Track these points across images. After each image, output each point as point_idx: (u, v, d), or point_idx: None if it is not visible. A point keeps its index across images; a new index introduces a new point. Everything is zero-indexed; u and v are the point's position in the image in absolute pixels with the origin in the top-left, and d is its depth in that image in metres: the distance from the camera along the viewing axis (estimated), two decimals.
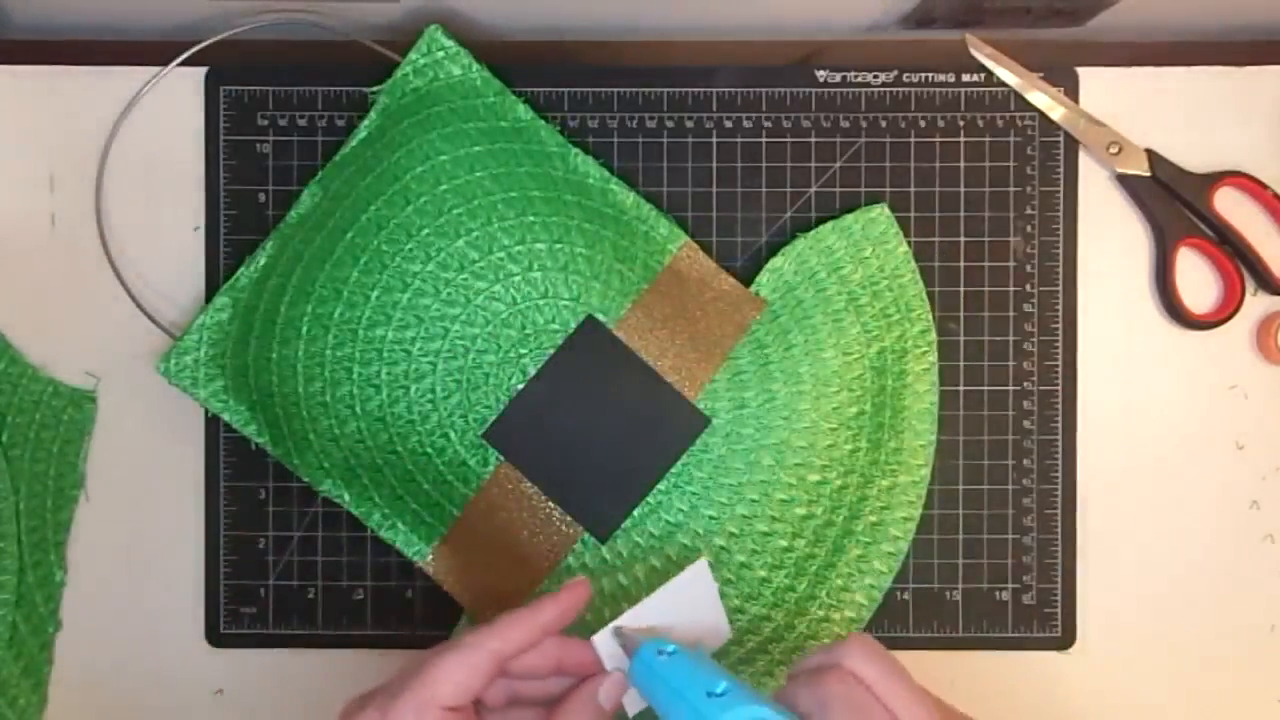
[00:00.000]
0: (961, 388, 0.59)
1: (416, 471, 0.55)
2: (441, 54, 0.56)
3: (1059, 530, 0.59)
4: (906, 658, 0.44)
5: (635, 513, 0.56)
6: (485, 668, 0.42)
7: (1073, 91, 0.59)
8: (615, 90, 0.59)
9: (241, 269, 0.57)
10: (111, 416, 0.58)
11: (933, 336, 0.58)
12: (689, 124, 0.59)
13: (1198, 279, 0.60)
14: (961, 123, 0.59)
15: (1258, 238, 0.59)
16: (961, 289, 0.59)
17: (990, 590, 0.59)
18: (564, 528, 0.56)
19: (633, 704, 0.47)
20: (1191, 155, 0.59)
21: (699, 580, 0.49)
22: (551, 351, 0.55)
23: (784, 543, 0.56)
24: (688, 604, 0.48)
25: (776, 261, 0.58)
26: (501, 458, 0.55)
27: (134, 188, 0.58)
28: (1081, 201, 0.59)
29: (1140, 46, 0.64)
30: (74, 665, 0.58)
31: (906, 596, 0.58)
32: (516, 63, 0.58)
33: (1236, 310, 0.59)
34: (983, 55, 0.59)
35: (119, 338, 0.58)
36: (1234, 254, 0.59)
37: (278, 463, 0.57)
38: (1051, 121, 0.59)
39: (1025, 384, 0.59)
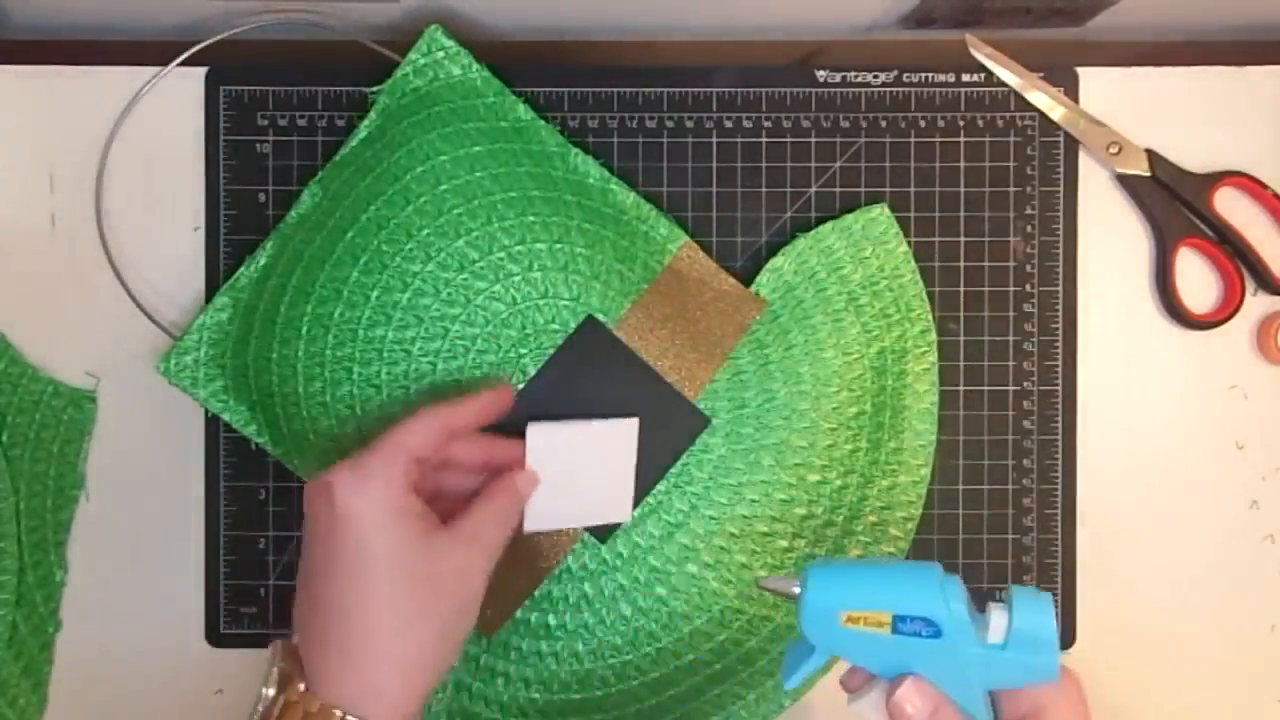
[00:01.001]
0: (961, 388, 0.59)
1: None
2: (441, 54, 0.56)
3: (1059, 530, 0.59)
4: None
5: (635, 513, 0.56)
6: (441, 431, 0.48)
7: (1073, 91, 0.59)
8: (615, 90, 0.59)
9: (241, 269, 0.57)
10: (111, 416, 0.58)
11: (933, 336, 0.58)
12: (689, 124, 0.59)
13: (1198, 279, 0.60)
14: (961, 123, 0.59)
15: (1258, 238, 0.59)
16: (961, 289, 0.59)
17: (990, 590, 0.59)
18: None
19: (535, 521, 0.53)
20: (1191, 155, 0.59)
21: (623, 438, 0.54)
22: (551, 351, 0.55)
23: (784, 543, 0.56)
24: (602, 454, 0.54)
25: (776, 261, 0.58)
26: None
27: (134, 188, 0.58)
28: (1081, 201, 0.59)
29: (1140, 46, 0.64)
30: (74, 665, 0.58)
31: None
32: (516, 63, 0.58)
33: (1236, 310, 0.59)
34: (983, 55, 0.59)
35: (119, 338, 0.58)
36: (1234, 254, 0.59)
37: (278, 463, 0.57)
38: (1051, 121, 0.59)
39: (1025, 384, 0.59)
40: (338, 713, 0.43)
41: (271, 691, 0.45)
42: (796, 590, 0.42)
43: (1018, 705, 0.41)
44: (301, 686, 0.44)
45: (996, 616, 0.40)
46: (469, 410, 0.50)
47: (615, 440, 0.54)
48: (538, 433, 0.53)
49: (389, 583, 0.45)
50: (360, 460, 0.46)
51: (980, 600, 0.41)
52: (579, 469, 0.54)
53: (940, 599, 0.40)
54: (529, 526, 0.53)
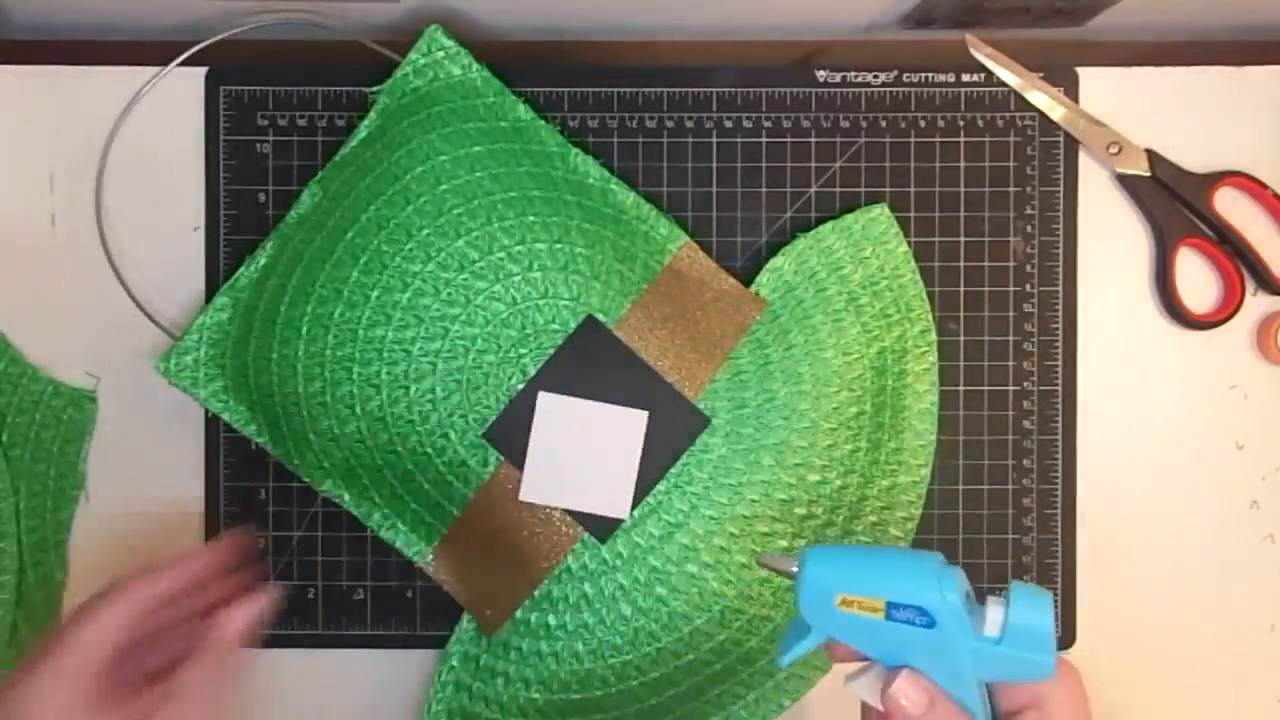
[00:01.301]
0: (961, 388, 0.59)
1: (416, 471, 0.55)
2: (441, 54, 0.56)
3: (1059, 530, 0.59)
4: None
5: (635, 513, 0.56)
6: (144, 609, 0.44)
7: (1073, 91, 0.59)
8: (615, 90, 0.59)
9: (241, 269, 0.57)
10: (111, 416, 0.58)
11: (933, 336, 0.58)
12: (689, 124, 0.59)
13: (1198, 279, 0.60)
14: (961, 123, 0.59)
15: (1258, 238, 0.59)
16: (961, 289, 0.59)
17: (990, 590, 0.58)
18: (564, 528, 0.56)
19: (531, 491, 0.54)
20: (1191, 155, 0.59)
21: (631, 428, 0.55)
22: (551, 351, 0.55)
23: (784, 543, 0.56)
24: (608, 439, 0.54)
25: (776, 261, 0.58)
26: (501, 457, 0.55)
27: (134, 188, 0.58)
28: (1081, 201, 0.59)
29: (1140, 46, 0.64)
30: None
31: None
32: (516, 63, 0.58)
33: (1236, 310, 0.59)
34: (983, 55, 0.59)
35: (119, 338, 0.58)
36: (1234, 254, 0.59)
37: (278, 463, 0.57)
38: (1051, 121, 0.59)
39: (1025, 384, 0.59)
40: None
41: None
42: (794, 569, 0.42)
43: (1015, 697, 0.41)
44: None
45: (993, 610, 0.40)
46: (178, 576, 0.46)
47: (622, 428, 0.55)
48: (548, 401, 0.54)
49: None
50: (44, 658, 0.42)
51: (984, 595, 0.41)
52: (583, 447, 0.55)
53: (935, 589, 0.40)
54: (525, 495, 0.54)
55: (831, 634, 0.42)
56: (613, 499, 0.55)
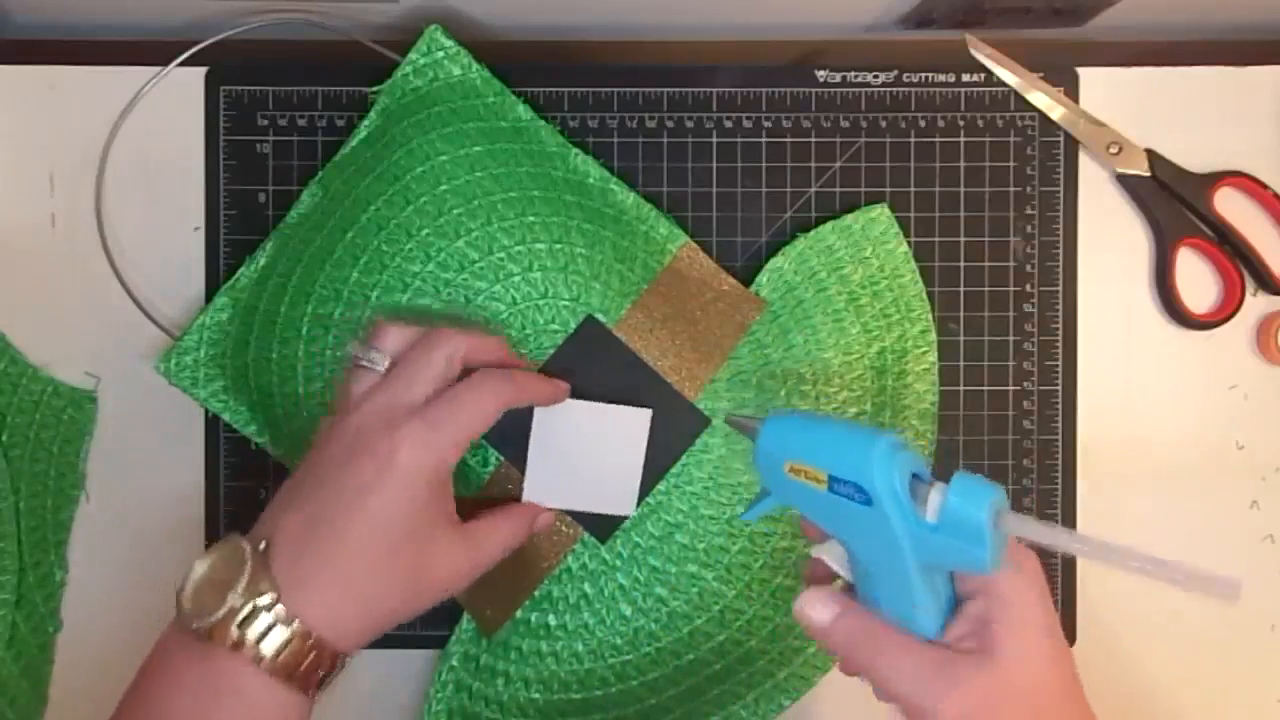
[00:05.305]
0: (961, 388, 0.59)
1: None
2: (441, 54, 0.56)
3: None
4: None
5: (635, 513, 0.56)
6: (507, 404, 0.48)
7: (1073, 91, 0.59)
8: (615, 90, 0.59)
9: (241, 269, 0.57)
10: (111, 416, 0.58)
11: (933, 336, 0.58)
12: (689, 124, 0.59)
13: (1198, 279, 0.60)
14: (961, 123, 0.59)
15: (1258, 238, 0.59)
16: (961, 289, 0.59)
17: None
18: (564, 528, 0.56)
19: (534, 493, 0.54)
20: (1191, 155, 0.59)
21: (634, 427, 0.54)
22: (551, 351, 0.55)
23: (784, 543, 0.56)
24: (611, 439, 0.54)
25: (777, 261, 0.58)
26: (501, 457, 0.55)
27: (134, 188, 0.58)
28: (1081, 201, 0.59)
29: (1140, 46, 0.64)
30: (74, 665, 0.58)
31: None
32: (516, 63, 0.58)
33: (1236, 310, 0.59)
34: (983, 55, 0.59)
35: (119, 338, 0.58)
36: (1234, 254, 0.59)
37: (278, 463, 0.57)
38: (1051, 121, 0.59)
39: (1025, 384, 0.59)
40: (304, 629, 0.43)
41: (243, 590, 0.43)
42: (754, 432, 0.44)
43: (971, 580, 0.42)
44: (272, 596, 0.43)
45: (933, 496, 0.40)
46: (532, 394, 0.51)
47: (625, 427, 0.55)
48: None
49: (393, 537, 0.45)
50: (438, 422, 0.45)
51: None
52: (586, 449, 0.54)
53: (877, 468, 0.40)
54: (525, 496, 0.54)
55: (783, 499, 0.44)
56: (616, 497, 0.55)
